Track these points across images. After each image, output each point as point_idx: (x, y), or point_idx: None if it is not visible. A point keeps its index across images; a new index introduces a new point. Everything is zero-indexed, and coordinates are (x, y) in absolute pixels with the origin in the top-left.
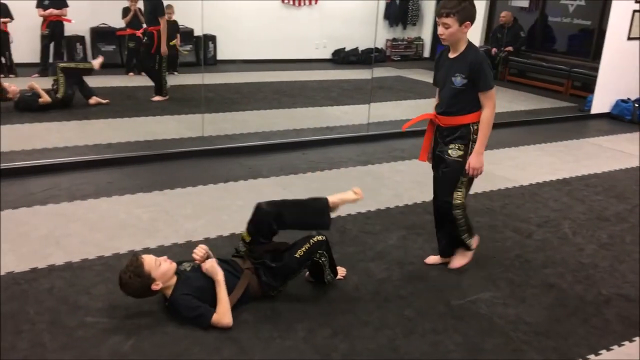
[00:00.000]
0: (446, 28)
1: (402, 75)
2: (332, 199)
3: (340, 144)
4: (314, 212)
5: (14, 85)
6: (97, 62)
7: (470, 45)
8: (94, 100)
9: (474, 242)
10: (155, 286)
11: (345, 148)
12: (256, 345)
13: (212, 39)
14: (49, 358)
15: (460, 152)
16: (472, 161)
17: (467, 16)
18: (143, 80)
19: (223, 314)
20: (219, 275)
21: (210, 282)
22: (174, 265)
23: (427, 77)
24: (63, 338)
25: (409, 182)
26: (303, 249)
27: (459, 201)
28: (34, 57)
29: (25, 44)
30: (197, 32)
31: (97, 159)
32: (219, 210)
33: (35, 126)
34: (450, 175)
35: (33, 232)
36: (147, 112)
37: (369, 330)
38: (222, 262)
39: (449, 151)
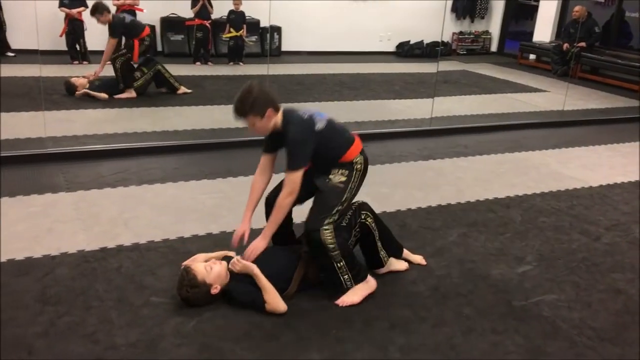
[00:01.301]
0: (252, 125)
1: (468, 69)
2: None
3: (401, 138)
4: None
5: (82, 79)
6: (183, 90)
7: (286, 120)
8: (181, 90)
9: (359, 288)
10: (215, 290)
11: (406, 142)
12: (313, 333)
13: (277, 30)
14: (116, 334)
15: (343, 178)
16: (255, 242)
17: (263, 106)
18: (209, 70)
19: (273, 301)
20: (254, 270)
21: (264, 264)
22: (225, 264)
23: (494, 72)
24: (129, 315)
25: (472, 178)
26: (347, 216)
27: (329, 232)
28: None
29: (99, 32)
30: (263, 24)
31: (165, 145)
32: None
33: (108, 112)
34: (326, 197)
35: (103, 213)
36: (213, 101)
37: (427, 327)
38: (280, 249)
39: (330, 176)
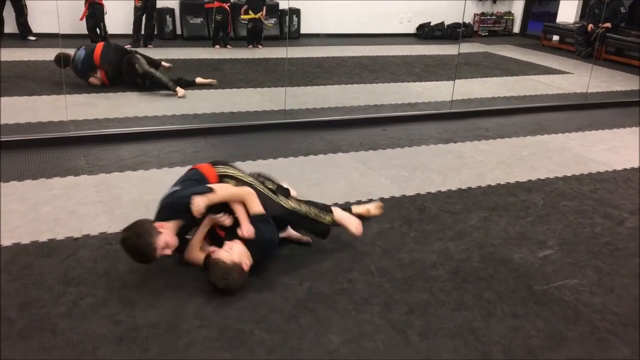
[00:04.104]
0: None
1: (490, 51)
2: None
3: (421, 121)
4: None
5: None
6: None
7: None
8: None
9: None
10: (245, 266)
11: (426, 125)
12: (332, 316)
13: (296, 12)
14: (137, 315)
15: None
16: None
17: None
18: (229, 53)
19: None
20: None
21: None
22: (239, 242)
23: (516, 53)
24: (150, 297)
25: (493, 162)
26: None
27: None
28: (127, 29)
29: (119, 15)
30: (282, 6)
31: (184, 128)
32: (299, 182)
33: (128, 95)
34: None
35: (124, 196)
36: (232, 85)
37: (446, 310)
38: None
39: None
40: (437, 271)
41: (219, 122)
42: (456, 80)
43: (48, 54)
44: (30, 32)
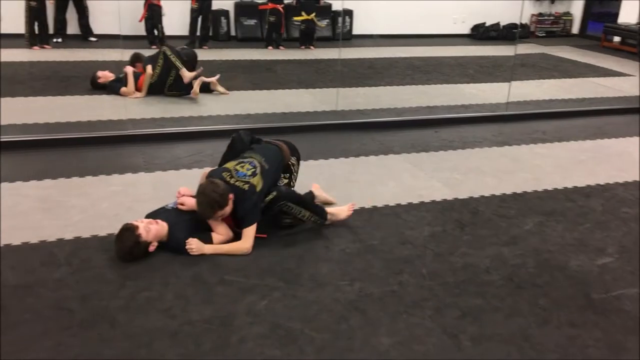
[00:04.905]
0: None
1: (547, 52)
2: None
3: (475, 123)
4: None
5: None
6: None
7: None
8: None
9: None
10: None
11: (480, 127)
12: (382, 318)
13: (348, 13)
14: (191, 310)
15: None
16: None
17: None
18: (281, 54)
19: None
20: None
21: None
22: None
23: (575, 55)
24: (204, 293)
25: (550, 166)
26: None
27: None
28: (183, 30)
29: (176, 17)
30: (335, 7)
31: (237, 128)
32: (349, 183)
33: (182, 96)
34: None
35: None
36: (285, 85)
37: (500, 316)
38: None
39: None
40: (491, 276)
41: (271, 123)
42: (512, 82)
43: (108, 55)
44: (91, 34)
